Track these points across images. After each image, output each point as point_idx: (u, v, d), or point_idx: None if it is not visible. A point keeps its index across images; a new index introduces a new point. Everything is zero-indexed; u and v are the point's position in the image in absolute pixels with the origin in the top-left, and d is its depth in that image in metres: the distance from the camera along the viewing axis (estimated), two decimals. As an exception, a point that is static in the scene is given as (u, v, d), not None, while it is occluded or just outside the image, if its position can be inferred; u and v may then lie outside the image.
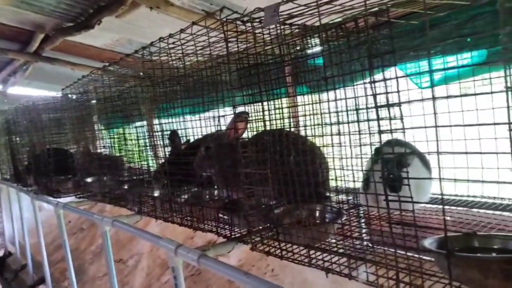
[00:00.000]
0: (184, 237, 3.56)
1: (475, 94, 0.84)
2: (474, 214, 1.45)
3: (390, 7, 1.09)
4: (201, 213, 1.71)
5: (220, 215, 1.70)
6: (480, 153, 0.82)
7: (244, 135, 1.66)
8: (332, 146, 1.24)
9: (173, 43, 1.61)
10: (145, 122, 2.31)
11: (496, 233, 1.13)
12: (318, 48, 1.57)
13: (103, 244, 2.48)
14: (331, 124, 1.23)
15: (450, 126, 0.85)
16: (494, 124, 0.80)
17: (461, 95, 0.91)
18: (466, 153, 0.85)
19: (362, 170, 1.43)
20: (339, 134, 1.20)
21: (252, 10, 1.26)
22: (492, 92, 0.80)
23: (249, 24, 1.30)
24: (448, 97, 0.91)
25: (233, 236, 1.55)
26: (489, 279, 0.86)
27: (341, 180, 1.47)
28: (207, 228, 1.68)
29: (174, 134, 2.16)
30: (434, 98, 0.85)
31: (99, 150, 3.08)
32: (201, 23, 1.42)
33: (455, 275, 0.90)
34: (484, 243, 1.04)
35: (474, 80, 1.30)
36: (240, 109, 1.48)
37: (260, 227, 1.47)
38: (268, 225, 1.45)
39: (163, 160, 2.06)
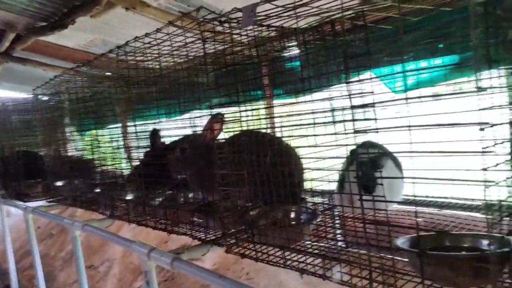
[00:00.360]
0: (158, 241, 3.50)
1: (449, 94, 0.86)
2: (445, 214, 1.48)
3: (366, 11, 1.11)
4: (176, 216, 1.68)
5: (195, 218, 1.68)
6: (452, 153, 0.84)
7: (221, 136, 1.65)
8: (308, 147, 1.25)
9: (149, 43, 1.59)
10: (119, 124, 2.27)
11: (466, 232, 1.16)
12: (295, 51, 1.58)
13: (73, 250, 2.40)
14: (307, 125, 1.23)
15: (422, 126, 0.87)
16: (466, 124, 0.82)
17: (433, 95, 0.94)
18: (439, 152, 0.87)
19: (337, 171, 1.44)
20: (314, 135, 1.21)
21: (230, 10, 1.26)
22: (464, 92, 0.83)
23: (226, 25, 1.29)
24: (420, 96, 0.93)
25: (207, 239, 1.53)
26: (459, 277, 0.88)
27: (316, 181, 1.47)
28: (182, 231, 1.66)
29: (154, 134, 2.10)
30: (407, 98, 0.87)
31: (70, 153, 3.00)
32: (177, 23, 1.41)
33: (427, 274, 0.91)
34: (455, 241, 1.07)
35: (446, 84, 1.34)
36: (217, 110, 1.47)
37: (235, 229, 1.46)
38: (243, 227, 1.43)
39: (138, 162, 2.02)
